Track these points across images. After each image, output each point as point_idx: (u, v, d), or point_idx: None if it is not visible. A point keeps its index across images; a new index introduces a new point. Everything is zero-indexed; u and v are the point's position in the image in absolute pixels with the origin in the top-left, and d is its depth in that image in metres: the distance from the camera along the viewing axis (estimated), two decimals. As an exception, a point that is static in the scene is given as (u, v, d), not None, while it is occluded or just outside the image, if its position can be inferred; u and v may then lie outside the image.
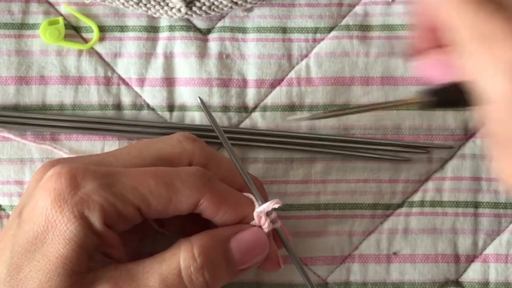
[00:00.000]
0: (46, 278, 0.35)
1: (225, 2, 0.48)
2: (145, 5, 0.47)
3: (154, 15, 0.48)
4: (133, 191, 0.36)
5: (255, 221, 0.40)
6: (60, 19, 0.48)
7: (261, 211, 0.40)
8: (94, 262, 0.36)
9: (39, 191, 0.36)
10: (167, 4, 0.47)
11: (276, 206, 0.40)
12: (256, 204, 0.40)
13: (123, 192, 0.36)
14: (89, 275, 0.35)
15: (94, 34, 0.48)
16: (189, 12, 0.47)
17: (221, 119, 0.47)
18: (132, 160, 0.39)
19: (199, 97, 0.43)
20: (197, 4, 0.47)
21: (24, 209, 0.37)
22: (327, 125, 0.48)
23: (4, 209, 0.47)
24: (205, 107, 0.42)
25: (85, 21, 0.48)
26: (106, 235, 0.36)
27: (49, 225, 0.35)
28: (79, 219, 0.35)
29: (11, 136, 0.47)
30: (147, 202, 0.37)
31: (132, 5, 0.47)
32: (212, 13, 0.48)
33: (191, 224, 0.41)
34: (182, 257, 0.36)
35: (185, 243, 0.37)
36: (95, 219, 0.35)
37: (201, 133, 0.47)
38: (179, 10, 0.47)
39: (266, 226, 0.40)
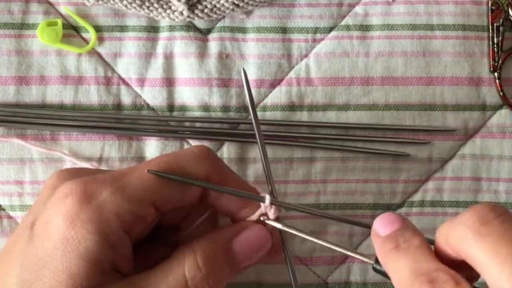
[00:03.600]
0: None
1: (226, 5, 0.48)
2: (148, 7, 0.47)
3: (156, 18, 0.48)
4: (145, 189, 0.36)
5: (257, 215, 0.40)
6: (59, 20, 0.48)
7: (269, 204, 0.39)
8: (105, 277, 0.35)
9: (52, 207, 0.35)
10: (170, 7, 0.47)
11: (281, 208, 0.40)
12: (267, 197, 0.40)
13: (137, 193, 0.36)
14: None
15: (92, 37, 0.48)
16: (191, 15, 0.48)
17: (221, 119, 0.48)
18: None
19: (243, 69, 0.41)
20: (199, 7, 0.47)
21: (36, 223, 0.36)
22: (327, 126, 0.48)
23: (4, 209, 0.47)
24: (247, 81, 0.40)
25: (83, 24, 0.48)
26: (122, 244, 0.35)
27: (61, 242, 0.34)
28: (93, 234, 0.34)
29: (12, 140, 0.47)
30: (162, 196, 0.37)
31: (135, 7, 0.47)
32: (214, 15, 0.48)
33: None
34: (187, 268, 0.36)
35: (188, 252, 0.37)
36: (113, 228, 0.35)
37: (201, 136, 0.47)
38: (181, 13, 0.47)
39: (272, 213, 0.40)
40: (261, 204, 0.40)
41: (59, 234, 0.34)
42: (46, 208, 0.36)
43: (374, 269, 0.37)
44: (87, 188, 0.35)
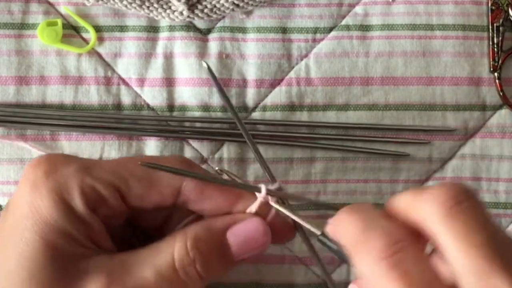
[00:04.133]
0: (38, 267, 0.34)
1: (226, 5, 0.48)
2: (148, 7, 0.47)
3: (156, 18, 0.48)
4: (112, 172, 0.36)
5: (256, 205, 0.38)
6: (59, 20, 0.48)
7: (262, 196, 0.38)
8: (85, 249, 0.35)
9: (20, 182, 0.36)
10: (170, 7, 0.47)
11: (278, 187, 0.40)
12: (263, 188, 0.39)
13: (102, 174, 0.36)
14: (82, 264, 0.35)
15: (92, 37, 0.48)
16: (191, 15, 0.48)
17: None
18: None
19: (205, 62, 0.40)
20: (199, 7, 0.47)
21: (9, 202, 0.37)
22: (327, 126, 0.48)
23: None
24: (212, 74, 0.40)
25: (83, 24, 0.48)
26: (90, 219, 0.35)
27: (29, 211, 0.35)
28: (59, 203, 0.35)
29: (7, 141, 0.47)
30: (126, 183, 0.36)
31: (135, 7, 0.47)
32: (214, 15, 0.48)
33: None
34: (176, 249, 0.36)
35: (179, 235, 0.36)
36: (76, 201, 0.35)
37: (201, 136, 0.47)
38: (181, 13, 0.47)
39: (272, 202, 0.38)
40: (258, 195, 0.38)
41: (27, 204, 0.35)
42: (18, 184, 0.37)
43: (320, 240, 0.37)
44: (56, 160, 0.36)
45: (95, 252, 0.36)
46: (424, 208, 0.30)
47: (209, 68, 0.39)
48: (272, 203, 0.38)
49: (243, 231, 0.37)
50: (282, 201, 0.39)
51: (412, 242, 0.31)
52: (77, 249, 0.35)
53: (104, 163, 0.37)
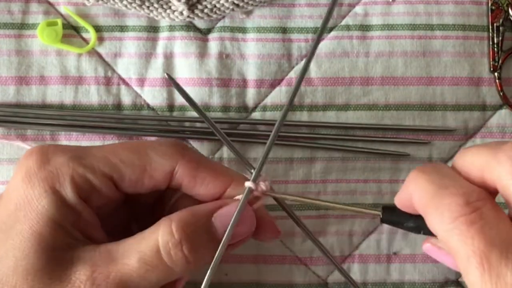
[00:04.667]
0: (23, 255, 0.34)
1: (226, 5, 0.48)
2: (148, 7, 0.47)
3: (156, 18, 0.48)
4: (104, 160, 0.36)
5: (244, 192, 0.38)
6: (59, 20, 0.48)
7: (252, 181, 0.38)
8: (73, 239, 0.35)
9: (14, 172, 0.36)
10: (170, 7, 0.47)
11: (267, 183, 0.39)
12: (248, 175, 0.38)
13: (93, 163, 0.36)
14: (68, 254, 0.35)
15: (92, 37, 0.48)
16: (191, 15, 0.48)
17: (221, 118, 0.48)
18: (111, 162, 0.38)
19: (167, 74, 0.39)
20: (199, 7, 0.47)
21: (3, 193, 0.37)
22: (327, 126, 0.48)
23: (4, 209, 0.47)
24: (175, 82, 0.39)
25: (83, 24, 0.48)
26: (81, 209, 0.35)
27: (21, 202, 0.35)
28: (50, 194, 0.35)
29: (5, 141, 0.47)
30: (119, 171, 0.36)
31: (135, 7, 0.47)
32: (214, 15, 0.48)
33: None
34: (161, 234, 0.35)
35: (164, 220, 0.36)
36: (68, 191, 0.35)
37: (201, 136, 0.47)
38: (181, 13, 0.47)
39: (261, 188, 0.38)
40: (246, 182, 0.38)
41: (20, 195, 0.35)
42: (13, 175, 0.37)
43: (383, 220, 0.38)
44: (48, 151, 0.36)
45: (82, 242, 0.36)
46: (501, 169, 0.31)
47: (169, 77, 0.38)
48: (262, 194, 0.38)
49: (229, 215, 0.37)
50: (276, 199, 0.40)
51: (490, 200, 0.31)
52: (65, 239, 0.35)
53: (96, 150, 0.37)
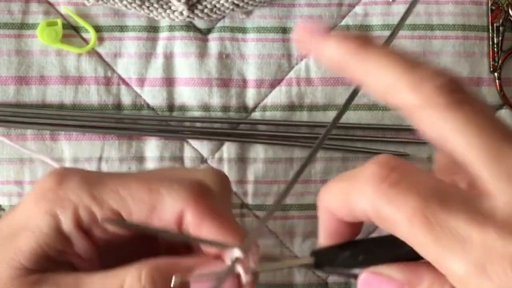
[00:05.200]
0: (2, 268, 0.33)
1: (226, 5, 0.48)
2: (148, 7, 0.47)
3: (156, 18, 0.48)
4: (113, 193, 0.34)
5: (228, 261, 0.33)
6: (59, 20, 0.48)
7: (235, 256, 0.32)
8: (54, 266, 0.34)
9: (26, 194, 0.36)
10: (170, 7, 0.47)
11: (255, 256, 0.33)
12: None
13: (103, 195, 0.34)
14: (36, 275, 0.33)
15: (92, 37, 0.48)
16: (191, 15, 0.48)
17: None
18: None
19: None
20: (199, 7, 0.47)
21: (10, 209, 0.37)
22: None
23: (3, 209, 0.47)
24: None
25: (83, 24, 0.48)
26: (75, 240, 0.34)
27: (24, 219, 0.34)
28: (49, 216, 0.34)
29: (5, 140, 0.47)
30: (127, 207, 0.34)
31: (135, 7, 0.47)
32: (214, 15, 0.48)
33: None
34: (129, 275, 0.33)
35: (140, 263, 0.33)
36: (67, 219, 0.34)
37: (201, 136, 0.47)
38: (181, 13, 0.47)
39: (243, 276, 0.32)
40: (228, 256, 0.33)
41: (25, 212, 0.34)
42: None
43: (317, 265, 0.32)
44: (65, 174, 0.35)
45: (65, 270, 0.34)
46: (363, 196, 0.29)
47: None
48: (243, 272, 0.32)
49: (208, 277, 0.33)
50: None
51: (402, 160, 0.29)
52: (43, 263, 0.34)
53: (109, 179, 0.35)
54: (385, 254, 0.31)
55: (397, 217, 0.27)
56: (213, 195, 0.35)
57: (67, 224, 0.34)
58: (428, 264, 0.28)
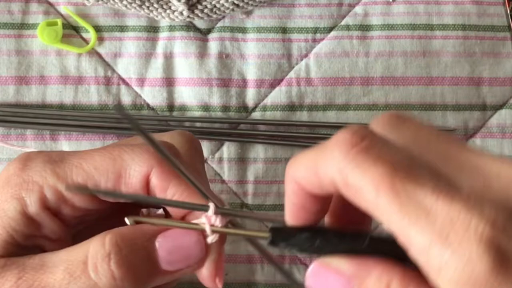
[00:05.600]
0: None
1: (226, 5, 0.48)
2: (148, 7, 0.47)
3: (156, 18, 0.48)
4: (77, 169, 0.33)
5: (200, 221, 0.33)
6: (59, 20, 0.48)
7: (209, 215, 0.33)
8: (22, 250, 0.33)
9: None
10: (170, 7, 0.47)
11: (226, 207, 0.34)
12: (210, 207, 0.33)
13: (67, 171, 0.33)
14: (2, 260, 0.33)
15: (92, 37, 0.48)
16: (191, 15, 0.48)
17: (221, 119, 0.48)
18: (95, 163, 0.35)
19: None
20: (199, 7, 0.47)
21: None
22: (327, 126, 0.48)
23: (3, 209, 0.47)
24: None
25: (83, 24, 0.48)
26: (42, 221, 0.34)
27: None
28: (15, 200, 0.33)
29: (4, 145, 0.47)
30: (93, 179, 0.33)
31: (135, 7, 0.47)
32: (214, 15, 0.48)
33: None
34: (93, 244, 0.32)
35: (105, 232, 0.33)
36: (32, 201, 0.33)
37: (201, 136, 0.47)
38: (181, 13, 0.47)
39: (218, 222, 0.33)
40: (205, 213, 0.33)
41: None
42: None
43: (273, 241, 0.31)
44: (29, 157, 0.34)
45: (33, 253, 0.34)
46: (331, 160, 0.28)
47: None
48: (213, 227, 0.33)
49: (176, 237, 0.33)
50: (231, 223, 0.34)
51: (378, 134, 0.28)
52: (13, 249, 0.33)
53: (71, 156, 0.34)
54: (341, 245, 0.30)
55: (364, 183, 0.26)
56: (179, 155, 0.35)
57: (33, 206, 0.33)
58: (378, 259, 0.28)
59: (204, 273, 0.34)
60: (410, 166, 0.26)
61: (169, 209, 0.35)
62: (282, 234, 0.31)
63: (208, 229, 0.33)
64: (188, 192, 0.34)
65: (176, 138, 0.37)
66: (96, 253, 0.32)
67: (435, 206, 0.25)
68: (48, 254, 0.33)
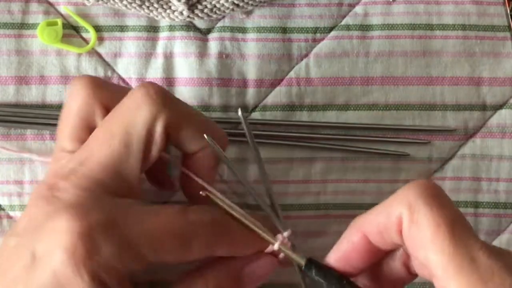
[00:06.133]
0: None
1: (226, 5, 0.48)
2: (148, 7, 0.47)
3: (156, 18, 0.48)
4: (151, 253, 0.35)
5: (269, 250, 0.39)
6: (59, 20, 0.48)
7: (282, 243, 0.39)
8: None
9: (53, 239, 0.34)
10: (170, 7, 0.47)
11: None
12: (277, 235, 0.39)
13: (142, 256, 0.35)
14: None
15: (92, 37, 0.48)
16: (191, 15, 0.48)
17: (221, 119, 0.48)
18: (108, 149, 0.36)
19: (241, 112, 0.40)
20: (199, 7, 0.47)
21: (37, 250, 0.34)
22: (327, 126, 0.48)
23: (3, 209, 0.47)
24: (245, 119, 0.40)
25: (83, 24, 0.48)
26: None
27: (65, 281, 0.33)
28: (97, 285, 0.33)
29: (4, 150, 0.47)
30: (162, 259, 0.35)
31: (135, 7, 0.47)
32: (214, 15, 0.48)
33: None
34: None
35: (199, 278, 0.36)
36: (113, 284, 0.34)
37: (201, 133, 0.47)
38: (181, 13, 0.47)
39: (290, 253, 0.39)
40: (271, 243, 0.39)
41: (62, 273, 0.33)
42: (45, 235, 0.34)
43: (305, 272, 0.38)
44: (95, 236, 0.34)
45: None
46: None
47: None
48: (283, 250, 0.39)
49: (258, 267, 0.39)
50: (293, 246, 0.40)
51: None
52: None
53: (142, 237, 0.35)
54: None
55: (428, 221, 0.32)
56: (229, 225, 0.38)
57: (113, 285, 0.34)
58: None
59: None
60: (466, 223, 0.32)
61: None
62: (315, 266, 0.37)
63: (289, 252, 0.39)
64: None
65: (142, 99, 0.38)
66: None
67: (481, 258, 0.31)
68: None
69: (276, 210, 0.41)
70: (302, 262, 0.38)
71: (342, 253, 0.37)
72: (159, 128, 0.36)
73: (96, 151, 0.36)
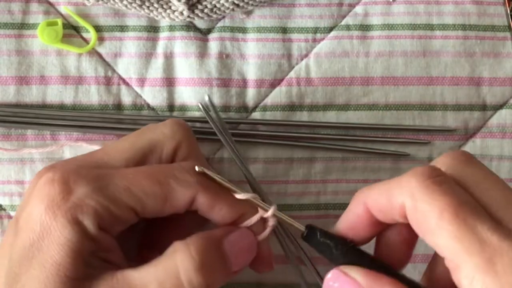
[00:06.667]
0: (42, 286, 0.34)
1: (226, 5, 0.48)
2: (148, 7, 0.47)
3: (156, 18, 0.48)
4: (126, 192, 0.36)
5: (248, 222, 0.39)
6: (59, 20, 0.48)
7: (268, 215, 0.39)
8: (91, 269, 0.35)
9: (33, 199, 0.36)
10: (170, 7, 0.47)
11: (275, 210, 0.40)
12: (259, 208, 0.39)
13: (116, 194, 0.36)
14: (86, 283, 0.35)
15: (92, 37, 0.48)
16: (191, 15, 0.48)
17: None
18: (125, 155, 0.39)
19: (203, 102, 0.41)
20: (199, 7, 0.47)
21: (20, 217, 0.36)
22: (327, 126, 0.48)
23: (4, 209, 0.47)
24: (206, 111, 0.41)
25: (83, 24, 0.48)
26: (101, 239, 0.35)
27: (44, 232, 0.35)
28: (72, 224, 0.35)
29: (4, 151, 0.47)
30: (141, 202, 0.36)
31: (135, 7, 0.47)
32: (214, 15, 0.48)
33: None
34: (179, 259, 0.35)
35: (180, 245, 0.36)
36: (89, 223, 0.35)
37: (202, 136, 0.47)
38: (181, 13, 0.47)
39: (270, 224, 0.40)
40: (262, 211, 0.39)
41: (42, 225, 0.35)
42: (29, 201, 0.36)
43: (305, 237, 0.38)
44: (70, 180, 0.36)
45: (101, 269, 0.35)
46: (403, 191, 0.33)
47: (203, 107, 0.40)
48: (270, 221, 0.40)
49: (237, 238, 0.38)
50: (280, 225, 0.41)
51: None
52: (84, 269, 0.35)
53: (118, 179, 0.36)
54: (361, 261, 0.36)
55: (431, 208, 0.32)
56: (211, 175, 0.38)
57: (91, 227, 0.35)
58: (388, 275, 0.34)
59: (263, 262, 0.40)
60: (473, 206, 0.32)
61: (216, 220, 0.39)
62: (316, 232, 0.38)
63: (270, 215, 0.39)
64: (233, 206, 0.39)
65: (174, 127, 0.40)
66: (187, 267, 0.35)
67: (490, 239, 0.30)
68: (129, 273, 0.35)
69: (260, 190, 0.42)
70: (302, 228, 0.38)
71: (349, 223, 0.37)
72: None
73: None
